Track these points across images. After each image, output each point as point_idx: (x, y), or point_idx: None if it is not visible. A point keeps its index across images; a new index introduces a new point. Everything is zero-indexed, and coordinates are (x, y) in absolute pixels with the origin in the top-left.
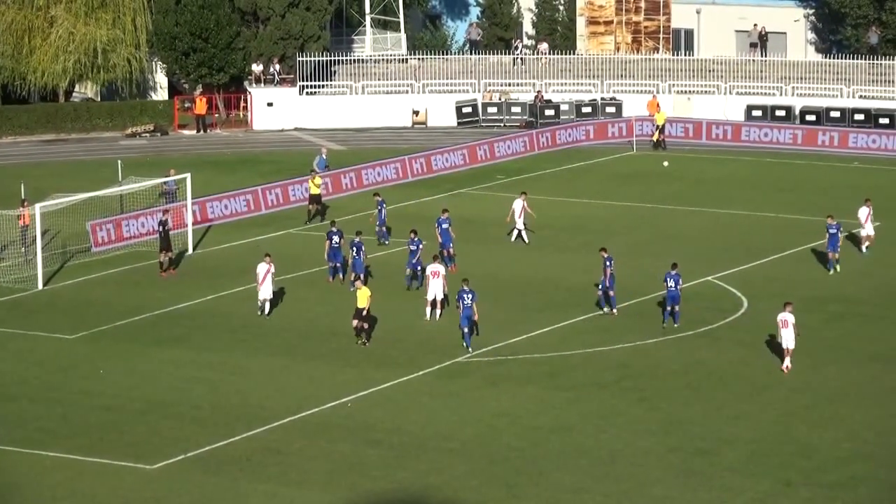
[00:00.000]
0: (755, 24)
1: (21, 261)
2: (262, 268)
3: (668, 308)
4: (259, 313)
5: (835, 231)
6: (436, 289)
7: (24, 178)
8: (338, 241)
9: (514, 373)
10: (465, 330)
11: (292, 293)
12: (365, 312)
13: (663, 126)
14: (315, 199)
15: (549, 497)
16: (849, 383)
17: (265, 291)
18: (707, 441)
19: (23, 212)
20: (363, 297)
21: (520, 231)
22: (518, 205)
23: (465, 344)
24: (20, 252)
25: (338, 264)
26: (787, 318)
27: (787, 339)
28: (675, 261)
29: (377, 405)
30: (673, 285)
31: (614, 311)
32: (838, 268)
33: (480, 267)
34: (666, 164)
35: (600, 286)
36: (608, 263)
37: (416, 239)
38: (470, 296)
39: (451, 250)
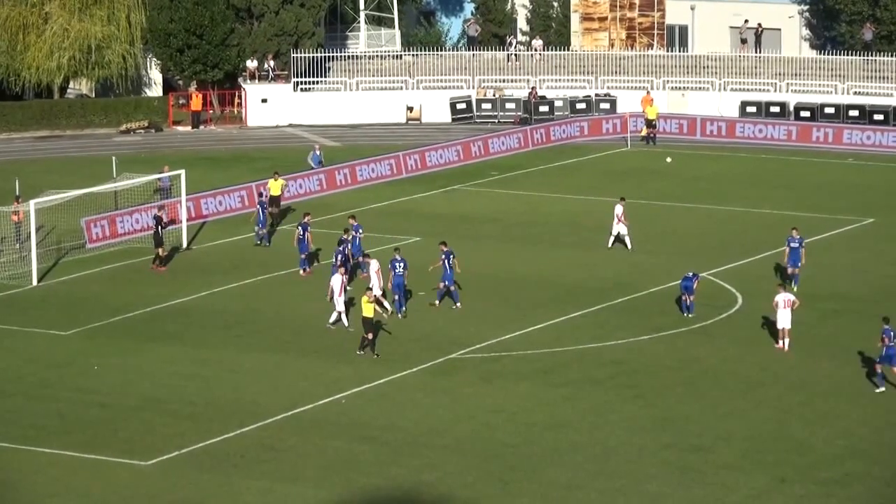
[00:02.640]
0: (745, 21)
1: (15, 257)
2: (337, 280)
3: (684, 297)
4: (331, 326)
5: (796, 245)
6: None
7: (19, 174)
8: (302, 232)
9: (509, 369)
10: (396, 297)
11: (287, 290)
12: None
13: (653, 121)
14: (275, 201)
15: (543, 493)
16: (843, 380)
17: (341, 304)
18: (702, 438)
19: (17, 208)
20: (370, 305)
21: (621, 236)
22: (619, 209)
23: (396, 309)
24: (15, 248)
25: (306, 254)
26: (789, 297)
27: (786, 320)
28: (668, 256)
29: (371, 402)
30: (690, 275)
31: (457, 304)
32: (795, 289)
33: (474, 264)
34: (669, 160)
35: (444, 281)
36: (446, 258)
37: (342, 249)
38: (402, 264)
39: (359, 258)
